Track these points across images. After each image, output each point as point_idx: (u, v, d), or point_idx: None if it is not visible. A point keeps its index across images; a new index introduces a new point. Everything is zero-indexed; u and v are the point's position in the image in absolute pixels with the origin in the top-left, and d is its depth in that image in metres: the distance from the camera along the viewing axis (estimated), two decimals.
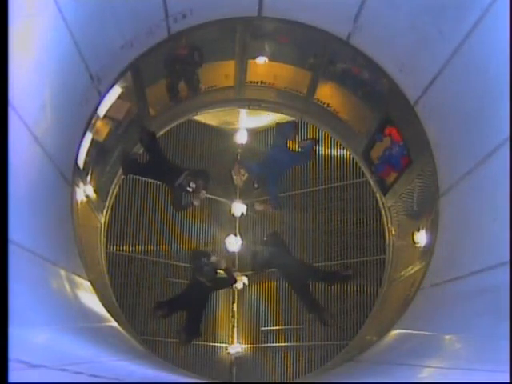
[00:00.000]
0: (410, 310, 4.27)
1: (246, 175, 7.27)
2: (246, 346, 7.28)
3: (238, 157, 7.51)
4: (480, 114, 3.25)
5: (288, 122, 6.96)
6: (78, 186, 4.47)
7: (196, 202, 6.06)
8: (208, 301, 6.28)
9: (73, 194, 4.23)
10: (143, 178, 6.74)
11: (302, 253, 6.93)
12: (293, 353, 6.85)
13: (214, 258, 6.25)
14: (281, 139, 6.63)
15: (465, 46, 3.25)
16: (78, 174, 4.42)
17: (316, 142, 6.89)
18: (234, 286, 6.69)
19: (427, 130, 4.31)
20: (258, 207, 6.83)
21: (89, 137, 4.56)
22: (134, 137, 5.97)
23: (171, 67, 5.50)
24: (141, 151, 6.14)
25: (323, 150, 7.23)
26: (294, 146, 6.83)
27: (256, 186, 6.49)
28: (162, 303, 6.10)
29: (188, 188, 5.78)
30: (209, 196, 7.45)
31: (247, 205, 7.32)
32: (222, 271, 6.37)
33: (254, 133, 7.72)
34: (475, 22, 3.02)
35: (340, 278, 6.31)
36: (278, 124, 7.03)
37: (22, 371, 1.76)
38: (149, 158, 6.02)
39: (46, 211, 3.40)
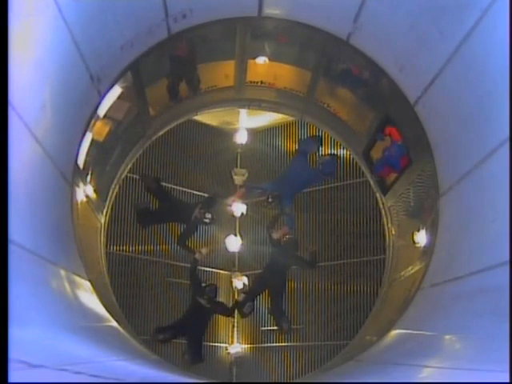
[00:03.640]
0: (409, 309, 4.27)
1: (246, 175, 7.29)
2: (246, 345, 7.29)
3: (244, 179, 7.37)
4: (480, 114, 3.25)
5: (311, 137, 6.93)
6: (77, 186, 4.46)
7: (199, 256, 6.14)
8: (208, 324, 6.26)
9: (73, 193, 4.22)
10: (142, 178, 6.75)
11: (302, 253, 6.93)
12: (293, 353, 6.86)
13: (204, 250, 6.28)
14: (303, 156, 6.45)
15: (465, 46, 3.25)
16: (78, 173, 4.42)
17: (337, 157, 6.74)
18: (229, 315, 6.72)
19: (427, 130, 4.31)
20: (275, 235, 6.38)
21: (89, 137, 4.55)
22: (133, 137, 5.98)
23: (171, 67, 5.50)
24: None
25: (323, 150, 7.24)
26: (314, 162, 6.68)
27: (270, 200, 6.31)
28: (163, 328, 6.11)
29: (205, 220, 5.89)
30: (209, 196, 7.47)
31: (247, 205, 7.33)
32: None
33: (254, 133, 7.74)
34: (475, 22, 3.02)
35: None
36: (300, 140, 7.00)
37: (21, 371, 1.76)
38: (159, 204, 6.13)
39: (46, 211, 3.39)
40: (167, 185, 6.93)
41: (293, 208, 6.57)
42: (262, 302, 7.16)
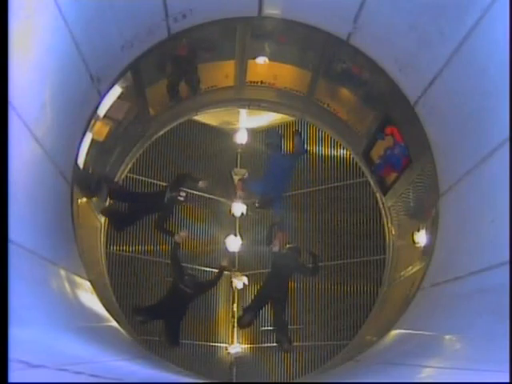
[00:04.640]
0: (409, 309, 4.27)
1: (246, 175, 7.27)
2: (246, 346, 7.29)
3: (242, 176, 7.28)
4: (480, 114, 3.25)
5: (272, 131, 7.03)
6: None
7: (178, 240, 6.02)
8: (187, 309, 6.07)
9: (73, 194, 4.22)
10: (142, 178, 6.75)
11: (302, 253, 6.92)
12: (293, 353, 6.85)
13: (202, 183, 6.14)
14: (273, 147, 6.52)
15: (465, 46, 3.25)
16: (78, 173, 4.42)
17: (299, 134, 6.83)
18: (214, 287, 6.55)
19: (427, 130, 4.31)
20: (276, 248, 6.28)
21: (89, 137, 4.55)
22: (133, 137, 5.98)
23: (171, 67, 5.50)
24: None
25: (323, 149, 7.24)
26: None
27: (257, 205, 6.31)
28: (141, 309, 5.95)
29: (180, 198, 5.79)
30: (209, 196, 7.47)
31: (247, 205, 7.33)
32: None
33: (254, 133, 7.73)
34: (475, 22, 3.02)
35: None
36: (265, 135, 7.06)
37: (21, 371, 1.76)
38: (128, 204, 6.00)
39: (46, 211, 3.39)
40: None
41: (283, 210, 6.51)
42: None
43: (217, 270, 6.53)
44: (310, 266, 6.21)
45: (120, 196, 5.89)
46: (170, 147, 7.26)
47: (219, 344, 7.27)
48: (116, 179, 5.97)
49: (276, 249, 6.17)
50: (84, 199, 4.84)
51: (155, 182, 6.89)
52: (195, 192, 7.36)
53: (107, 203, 5.81)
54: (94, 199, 5.26)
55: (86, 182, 4.92)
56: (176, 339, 5.93)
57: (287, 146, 7.44)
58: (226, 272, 7.39)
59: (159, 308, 5.94)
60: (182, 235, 6.15)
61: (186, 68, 5.62)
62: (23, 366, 1.79)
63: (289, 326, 6.15)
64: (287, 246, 6.20)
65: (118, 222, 5.95)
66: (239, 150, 7.83)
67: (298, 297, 7.02)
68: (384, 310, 5.75)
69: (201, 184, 6.13)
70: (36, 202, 3.09)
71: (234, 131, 7.71)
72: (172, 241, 6.14)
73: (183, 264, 6.27)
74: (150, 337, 6.20)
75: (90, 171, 4.98)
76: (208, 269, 7.23)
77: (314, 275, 6.32)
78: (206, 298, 7.18)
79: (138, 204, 5.95)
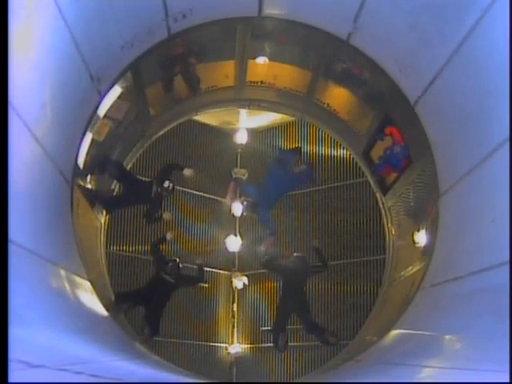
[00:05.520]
0: (409, 310, 4.27)
1: (246, 175, 7.26)
2: (246, 345, 7.29)
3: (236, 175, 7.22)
4: (480, 114, 3.25)
5: (292, 150, 6.81)
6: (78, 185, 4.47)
7: (166, 216, 5.98)
8: (170, 298, 5.90)
9: (73, 194, 4.22)
10: (142, 178, 6.73)
11: (302, 253, 6.92)
12: (293, 353, 6.85)
13: (188, 171, 6.02)
14: (282, 166, 6.19)
15: (465, 46, 3.25)
16: (78, 173, 4.42)
17: (310, 165, 6.59)
18: (202, 284, 6.39)
19: (427, 130, 4.31)
20: (263, 247, 6.34)
21: (89, 137, 4.56)
22: (133, 137, 5.97)
23: (171, 67, 5.50)
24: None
25: (323, 149, 7.24)
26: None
27: (244, 203, 6.13)
28: (122, 295, 5.82)
29: (168, 187, 5.63)
30: (209, 196, 7.47)
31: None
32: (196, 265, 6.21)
33: (254, 133, 7.73)
34: (475, 22, 3.02)
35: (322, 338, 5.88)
36: (280, 151, 6.90)
37: (22, 371, 1.76)
38: (123, 187, 5.86)
39: (46, 211, 3.40)
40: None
41: (270, 216, 6.24)
42: (264, 302, 7.17)
43: (216, 270, 6.49)
44: (319, 263, 6.08)
45: (121, 177, 5.76)
46: (170, 147, 7.26)
47: (219, 344, 7.27)
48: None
49: (267, 257, 6.13)
50: (84, 199, 4.84)
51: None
52: (195, 192, 7.37)
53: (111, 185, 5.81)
54: (95, 182, 5.20)
55: (93, 163, 4.91)
56: (156, 328, 5.77)
57: (287, 146, 7.47)
58: (226, 272, 7.44)
59: (140, 294, 5.84)
60: (168, 238, 6.17)
61: (185, 68, 5.62)
62: (23, 366, 1.79)
63: (311, 321, 5.90)
64: (294, 254, 6.09)
65: (111, 205, 5.84)
66: (239, 150, 7.83)
67: None
68: (384, 309, 5.75)
69: (186, 172, 5.98)
70: (36, 201, 3.09)
71: (234, 131, 7.71)
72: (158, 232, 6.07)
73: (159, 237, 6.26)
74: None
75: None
76: (208, 269, 7.23)
77: (327, 267, 6.14)
78: (206, 298, 7.19)
79: (130, 187, 5.85)
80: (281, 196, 6.35)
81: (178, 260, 5.84)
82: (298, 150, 6.78)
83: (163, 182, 5.60)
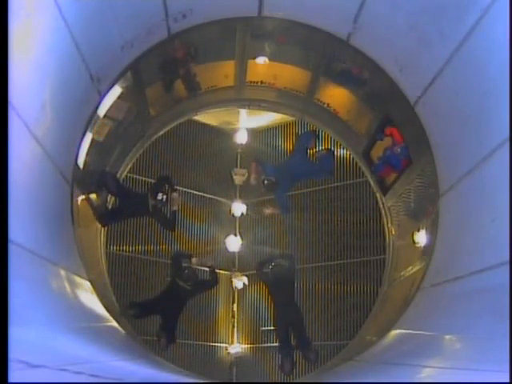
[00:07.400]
0: (409, 310, 4.27)
1: (246, 175, 7.26)
2: (246, 345, 7.29)
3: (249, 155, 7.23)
4: (480, 114, 3.25)
5: (309, 132, 6.86)
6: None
7: (175, 207, 5.91)
8: (185, 306, 5.95)
9: (73, 194, 4.23)
10: (142, 178, 6.75)
11: (302, 253, 6.93)
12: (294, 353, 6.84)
13: (195, 260, 6.15)
14: (301, 148, 6.34)
15: (465, 46, 3.25)
16: (78, 173, 4.42)
17: (333, 153, 6.59)
18: (215, 287, 6.40)
19: (427, 130, 4.31)
20: (267, 210, 6.53)
21: (89, 137, 4.56)
22: (133, 137, 5.97)
23: (171, 67, 5.49)
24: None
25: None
26: (313, 157, 6.52)
27: (265, 182, 6.09)
28: (136, 304, 5.84)
29: (161, 199, 5.61)
30: (209, 196, 7.47)
31: (247, 205, 7.32)
32: (207, 268, 6.27)
33: (253, 133, 7.73)
34: (475, 22, 3.02)
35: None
36: (298, 135, 6.96)
37: (21, 371, 1.76)
38: (119, 201, 5.87)
39: (46, 211, 3.40)
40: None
41: (286, 197, 6.36)
42: (264, 302, 7.16)
43: (216, 270, 6.47)
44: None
45: (117, 191, 5.79)
46: (170, 147, 7.26)
47: (219, 344, 7.26)
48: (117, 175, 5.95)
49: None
50: (84, 198, 4.84)
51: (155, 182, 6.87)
52: (195, 192, 7.37)
53: (107, 198, 5.79)
54: (94, 196, 5.23)
55: (90, 178, 4.92)
56: (172, 336, 5.82)
57: (287, 146, 7.47)
58: (225, 272, 7.43)
59: (156, 303, 5.86)
60: (176, 199, 5.97)
61: (185, 68, 5.62)
62: (23, 366, 1.79)
63: (305, 338, 5.80)
64: (283, 253, 6.15)
65: (108, 218, 5.82)
66: (239, 150, 7.83)
67: (298, 297, 7.02)
68: (384, 309, 5.75)
69: (174, 195, 5.96)
70: (36, 201, 3.09)
71: (234, 131, 7.71)
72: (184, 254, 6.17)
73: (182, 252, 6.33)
74: (150, 337, 6.20)
75: (92, 169, 4.97)
76: (208, 269, 7.22)
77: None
78: (206, 297, 7.18)
79: (126, 201, 5.85)
80: (299, 180, 6.53)
81: (191, 254, 6.00)
82: (314, 132, 6.79)
83: (157, 195, 5.62)
